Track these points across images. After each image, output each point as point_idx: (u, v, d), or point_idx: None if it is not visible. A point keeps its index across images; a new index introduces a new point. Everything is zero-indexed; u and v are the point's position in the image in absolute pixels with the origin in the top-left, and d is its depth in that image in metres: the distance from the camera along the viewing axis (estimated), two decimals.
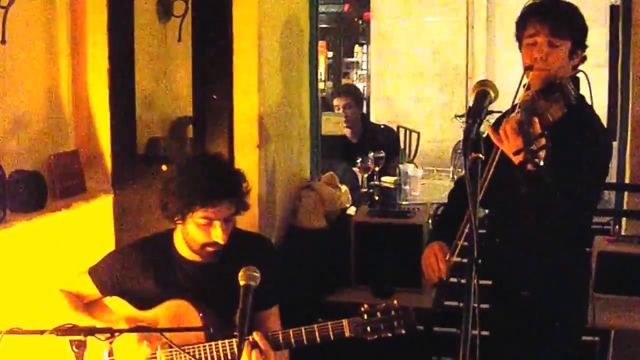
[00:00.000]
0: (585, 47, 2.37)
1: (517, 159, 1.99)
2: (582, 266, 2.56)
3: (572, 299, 2.44)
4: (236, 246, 2.30)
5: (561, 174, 2.03)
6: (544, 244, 2.34)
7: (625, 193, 4.07)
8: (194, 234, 2.26)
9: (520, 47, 2.40)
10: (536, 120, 1.99)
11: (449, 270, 2.27)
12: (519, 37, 2.40)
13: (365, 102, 9.23)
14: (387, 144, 4.91)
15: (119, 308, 2.34)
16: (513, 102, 2.19)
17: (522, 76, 2.29)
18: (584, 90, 2.36)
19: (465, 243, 2.07)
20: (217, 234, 2.24)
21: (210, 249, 2.28)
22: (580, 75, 2.36)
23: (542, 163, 1.88)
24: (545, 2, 2.40)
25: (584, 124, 2.28)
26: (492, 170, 2.17)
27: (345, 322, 2.10)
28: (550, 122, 2.10)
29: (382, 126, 5.76)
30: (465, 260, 1.66)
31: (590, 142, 2.26)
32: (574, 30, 2.33)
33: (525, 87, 2.27)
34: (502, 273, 2.47)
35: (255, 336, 2.10)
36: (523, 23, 2.37)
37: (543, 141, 1.90)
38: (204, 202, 2.20)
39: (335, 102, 5.16)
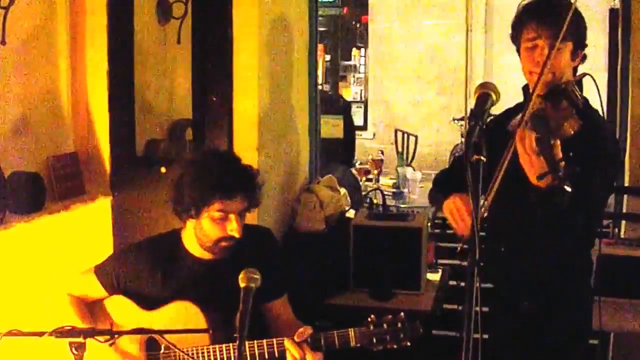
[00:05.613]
0: (585, 45, 2.27)
1: (541, 182, 1.84)
2: (587, 272, 2.45)
3: (576, 306, 2.36)
4: (242, 240, 2.30)
5: (575, 188, 1.84)
6: (550, 253, 2.27)
7: (625, 196, 4.08)
8: (209, 229, 2.26)
9: (517, 50, 2.29)
10: (558, 143, 1.85)
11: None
12: (516, 39, 2.29)
13: (363, 105, 9.25)
14: None
15: (124, 308, 2.32)
16: (524, 109, 2.06)
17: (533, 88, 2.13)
18: (589, 94, 2.23)
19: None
20: (233, 228, 2.24)
21: (224, 243, 2.27)
22: (586, 78, 2.22)
23: (569, 189, 1.74)
24: (541, 1, 2.27)
25: (593, 131, 2.12)
26: (498, 179, 2.03)
27: (351, 331, 2.09)
28: (567, 137, 1.96)
29: None
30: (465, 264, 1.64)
31: (601, 152, 2.15)
32: (575, 30, 2.19)
33: (530, 92, 2.14)
34: (503, 280, 2.42)
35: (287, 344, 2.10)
36: (520, 25, 2.26)
37: (566, 166, 1.77)
38: (222, 194, 2.20)
39: None
